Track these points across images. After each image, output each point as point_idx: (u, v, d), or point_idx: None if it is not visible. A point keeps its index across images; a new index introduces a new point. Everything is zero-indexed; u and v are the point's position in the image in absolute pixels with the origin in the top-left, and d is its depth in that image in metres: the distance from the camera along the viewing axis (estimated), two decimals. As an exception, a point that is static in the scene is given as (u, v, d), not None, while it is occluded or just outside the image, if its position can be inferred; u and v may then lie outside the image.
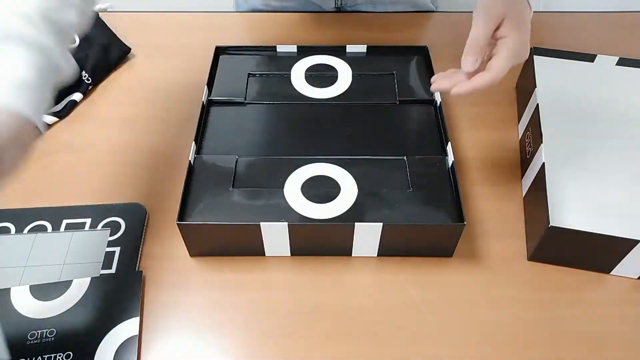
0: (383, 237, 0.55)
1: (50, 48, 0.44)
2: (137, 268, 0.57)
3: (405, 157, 0.62)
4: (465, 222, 0.55)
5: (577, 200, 0.62)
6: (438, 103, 0.67)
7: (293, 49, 0.76)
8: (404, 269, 0.57)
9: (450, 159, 0.60)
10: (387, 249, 0.57)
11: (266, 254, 0.58)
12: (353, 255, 0.58)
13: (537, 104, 0.64)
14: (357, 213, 0.57)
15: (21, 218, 0.61)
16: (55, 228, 0.60)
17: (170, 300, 0.55)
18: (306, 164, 0.61)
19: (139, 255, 0.58)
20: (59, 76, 0.46)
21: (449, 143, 0.61)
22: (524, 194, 0.64)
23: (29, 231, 0.60)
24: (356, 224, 0.54)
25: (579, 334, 0.53)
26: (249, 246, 0.57)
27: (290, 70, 0.73)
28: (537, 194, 0.58)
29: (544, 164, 0.58)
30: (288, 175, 0.60)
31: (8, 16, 0.43)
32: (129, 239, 0.59)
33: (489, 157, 0.68)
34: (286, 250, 0.58)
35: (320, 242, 0.57)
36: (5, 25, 0.42)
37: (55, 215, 0.61)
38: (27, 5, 0.44)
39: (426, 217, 0.57)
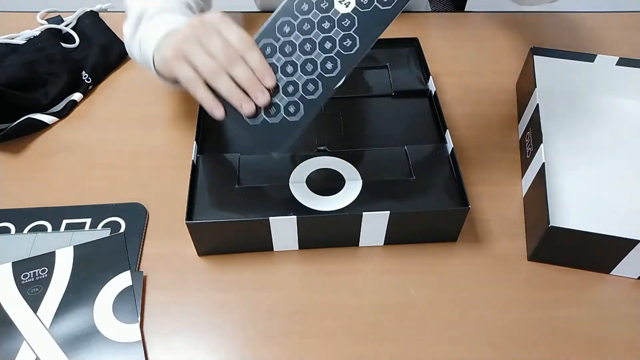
0: (390, 225, 0.56)
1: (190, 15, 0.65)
2: (137, 268, 0.57)
3: (405, 147, 0.62)
4: (469, 206, 0.55)
5: (577, 200, 0.62)
6: (433, 92, 0.68)
7: None
8: (407, 269, 0.58)
9: (450, 145, 0.61)
10: (394, 237, 0.58)
11: (274, 249, 0.59)
12: (360, 245, 0.59)
13: (537, 104, 0.64)
14: (363, 203, 0.58)
15: (21, 218, 0.61)
16: (55, 228, 0.60)
17: (171, 300, 0.55)
18: (308, 158, 0.62)
19: (139, 255, 0.58)
20: None
21: (447, 130, 0.62)
22: (524, 194, 0.64)
23: (29, 231, 0.60)
24: (364, 213, 0.54)
25: (578, 334, 0.53)
26: (257, 242, 0.57)
27: None
28: (537, 194, 0.58)
29: (544, 164, 0.58)
30: (292, 170, 0.61)
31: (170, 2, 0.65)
32: (129, 239, 0.59)
33: (489, 157, 0.68)
34: (294, 244, 0.58)
35: (328, 234, 0.58)
36: (164, 5, 0.63)
37: (55, 215, 0.61)
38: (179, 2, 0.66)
39: (431, 203, 0.58)
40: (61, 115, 0.74)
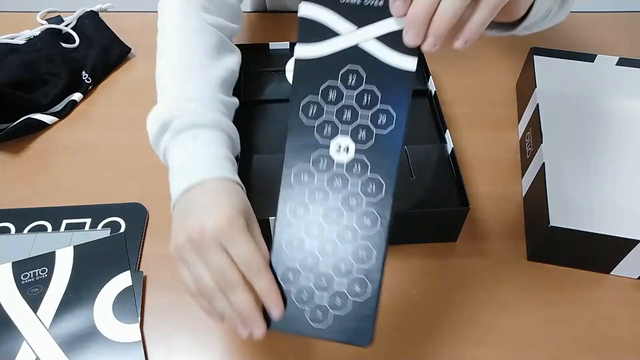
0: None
1: (230, 127, 0.55)
2: (137, 268, 0.57)
3: (405, 147, 0.63)
4: (469, 206, 0.55)
5: (577, 200, 0.62)
6: (433, 92, 0.68)
7: (286, 45, 0.77)
8: (407, 269, 0.58)
9: (450, 145, 0.61)
10: (394, 237, 0.58)
11: None
12: None
13: (537, 104, 0.64)
14: None
15: (21, 218, 0.61)
16: (55, 228, 0.60)
17: (171, 300, 0.55)
18: None
19: (139, 255, 0.58)
20: (235, 147, 0.57)
21: (447, 130, 0.62)
22: (524, 194, 0.64)
23: (29, 231, 0.60)
24: None
25: (578, 334, 0.53)
26: None
27: (284, 67, 0.73)
28: (537, 194, 0.58)
29: (544, 164, 0.58)
30: None
31: (207, 108, 0.55)
32: (129, 239, 0.59)
33: (489, 157, 0.68)
34: None
35: None
36: (207, 117, 0.54)
37: (55, 215, 0.61)
38: (212, 97, 0.56)
39: (431, 203, 0.58)
40: (61, 115, 0.74)
